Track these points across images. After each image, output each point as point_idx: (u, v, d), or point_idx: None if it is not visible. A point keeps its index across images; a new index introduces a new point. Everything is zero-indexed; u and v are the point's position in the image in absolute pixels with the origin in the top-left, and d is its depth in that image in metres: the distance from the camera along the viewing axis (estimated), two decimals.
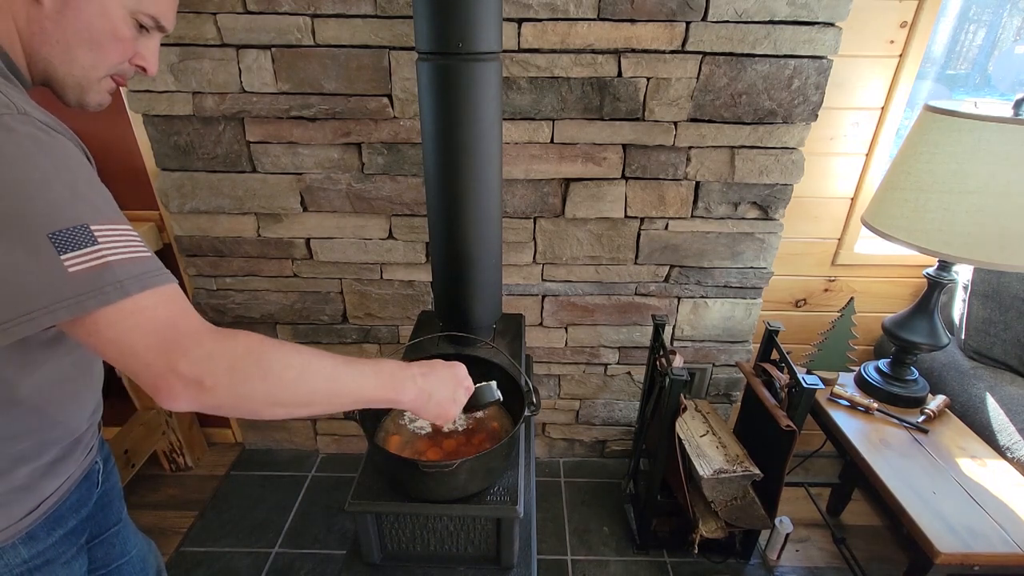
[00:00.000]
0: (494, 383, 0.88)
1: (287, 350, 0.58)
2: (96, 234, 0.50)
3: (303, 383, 0.58)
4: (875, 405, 1.47)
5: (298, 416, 0.60)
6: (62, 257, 0.48)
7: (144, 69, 0.66)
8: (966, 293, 1.60)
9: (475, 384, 0.84)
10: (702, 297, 1.68)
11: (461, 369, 0.80)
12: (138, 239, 0.54)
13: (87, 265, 0.49)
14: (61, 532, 0.70)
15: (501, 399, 0.87)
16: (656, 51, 1.35)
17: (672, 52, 1.35)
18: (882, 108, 1.52)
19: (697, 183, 1.51)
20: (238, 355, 0.54)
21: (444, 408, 0.76)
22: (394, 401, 0.70)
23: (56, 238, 0.48)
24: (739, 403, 1.80)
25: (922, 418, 1.44)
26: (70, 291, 0.48)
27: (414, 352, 1.21)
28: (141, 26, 0.63)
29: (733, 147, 1.46)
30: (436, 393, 0.74)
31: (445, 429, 0.98)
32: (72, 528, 0.72)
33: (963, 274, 1.62)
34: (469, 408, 0.84)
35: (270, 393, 0.56)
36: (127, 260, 0.52)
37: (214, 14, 1.32)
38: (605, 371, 1.82)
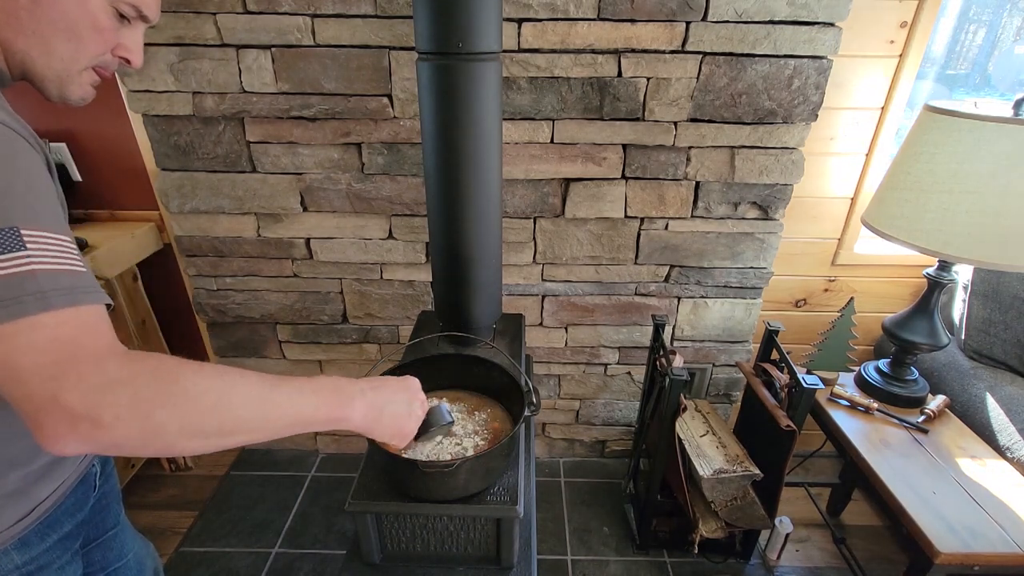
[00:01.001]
0: (445, 403, 0.83)
1: (206, 372, 0.52)
2: (26, 239, 0.46)
3: (226, 408, 0.51)
4: (875, 405, 1.47)
5: (223, 448, 0.53)
6: None
7: (128, 61, 0.64)
8: (966, 293, 1.60)
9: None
10: (702, 297, 1.68)
11: (414, 382, 0.75)
12: (75, 252, 0.50)
13: (7, 271, 0.44)
14: (55, 537, 0.69)
15: (453, 422, 0.82)
16: (656, 51, 1.35)
17: (672, 52, 1.35)
18: (882, 108, 1.52)
19: (697, 183, 1.51)
20: (143, 381, 0.47)
21: (400, 424, 0.70)
22: (340, 420, 0.62)
23: None
24: (739, 403, 1.79)
25: (922, 418, 1.44)
26: None
27: (414, 352, 1.21)
28: (122, 16, 0.60)
29: (733, 147, 1.46)
30: (389, 407, 0.68)
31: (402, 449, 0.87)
32: (67, 533, 0.71)
33: (963, 274, 1.62)
34: (420, 434, 0.79)
35: (185, 423, 0.49)
36: (57, 271, 0.47)
37: (214, 14, 1.32)
38: (605, 371, 1.82)
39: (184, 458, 1.89)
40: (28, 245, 0.46)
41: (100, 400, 0.45)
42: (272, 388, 0.56)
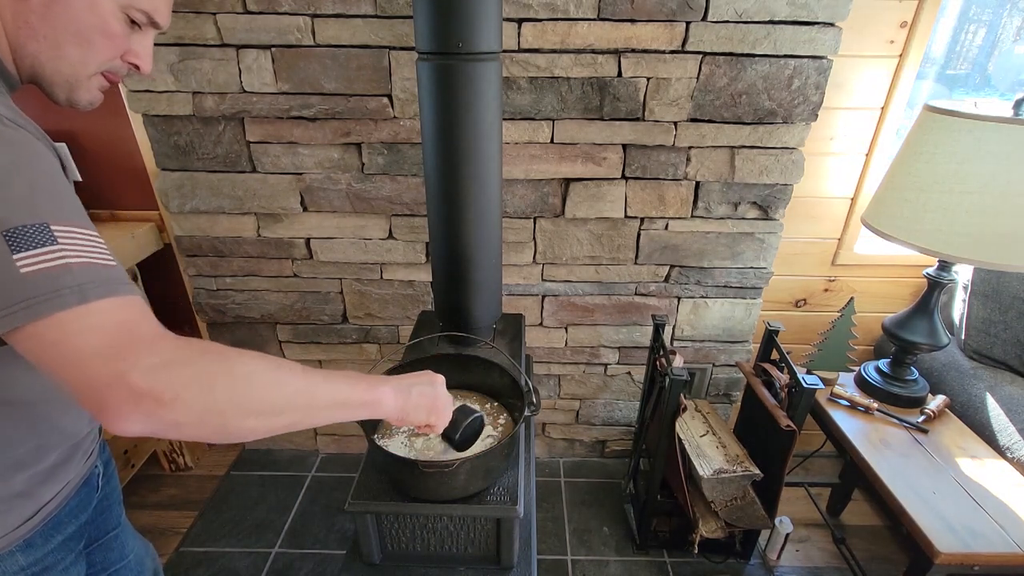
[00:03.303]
0: (466, 402, 0.84)
1: (253, 354, 0.53)
2: (57, 234, 0.46)
3: (277, 387, 0.53)
4: (875, 405, 1.47)
5: (270, 429, 0.53)
6: (15, 257, 0.44)
7: (137, 67, 0.64)
8: (966, 293, 1.60)
9: (458, 413, 0.80)
10: (702, 297, 1.68)
11: (427, 371, 0.76)
12: (105, 247, 0.51)
13: (43, 266, 0.45)
14: (60, 538, 0.69)
15: (482, 415, 0.84)
16: (656, 51, 1.35)
17: (672, 52, 1.35)
18: (882, 108, 1.52)
19: (697, 183, 1.51)
20: (203, 361, 0.49)
21: (429, 400, 0.71)
22: (373, 402, 0.64)
23: (10, 236, 0.44)
24: (739, 403, 1.79)
25: (922, 418, 1.44)
26: (20, 294, 0.44)
27: (414, 352, 1.21)
28: (133, 22, 0.60)
29: (733, 147, 1.46)
30: (415, 388, 0.70)
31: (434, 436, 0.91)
32: (71, 534, 0.71)
33: (963, 274, 1.62)
34: (456, 438, 0.80)
35: (243, 401, 0.51)
36: (90, 264, 0.47)
37: (214, 14, 1.32)
38: (605, 371, 1.82)
39: (184, 458, 1.89)
40: (59, 240, 0.46)
41: (161, 378, 0.46)
42: (311, 372, 0.58)
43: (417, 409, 0.70)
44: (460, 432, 0.79)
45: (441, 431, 0.78)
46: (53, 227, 0.47)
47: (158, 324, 0.50)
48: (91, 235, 0.50)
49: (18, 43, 0.56)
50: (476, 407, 0.83)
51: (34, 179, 0.48)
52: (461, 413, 0.80)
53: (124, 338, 0.47)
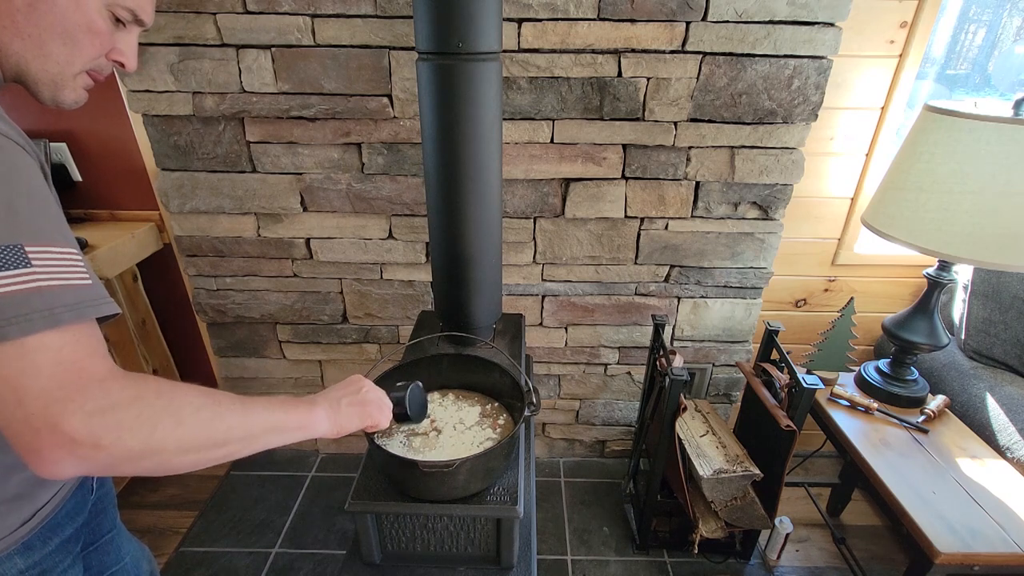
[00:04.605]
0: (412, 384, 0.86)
1: (193, 389, 0.55)
2: (31, 255, 0.46)
3: (219, 420, 0.55)
4: (875, 405, 1.47)
5: (207, 462, 0.54)
6: None
7: (122, 64, 0.64)
8: (966, 293, 1.60)
9: (397, 393, 0.83)
10: (702, 297, 1.68)
11: (353, 376, 0.79)
12: (80, 264, 0.50)
13: (13, 288, 0.44)
14: (58, 541, 0.69)
15: (417, 383, 0.87)
16: (656, 51, 1.35)
17: (672, 52, 1.35)
18: (882, 108, 1.52)
19: (697, 183, 1.51)
20: (148, 399, 0.50)
21: (357, 405, 0.74)
22: (308, 424, 0.66)
23: None
24: (739, 403, 1.79)
25: (922, 418, 1.44)
26: None
27: (414, 352, 1.21)
28: (118, 19, 0.61)
29: (733, 147, 1.46)
30: (344, 399, 0.73)
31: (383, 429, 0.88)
32: (68, 536, 0.71)
33: (963, 274, 1.62)
34: (408, 413, 0.83)
35: (184, 437, 0.51)
36: (63, 287, 0.47)
37: (214, 14, 1.32)
38: (605, 371, 1.82)
39: None
40: (33, 262, 0.46)
41: (103, 422, 0.46)
42: (247, 401, 0.60)
43: (349, 418, 0.72)
44: (408, 407, 0.83)
45: (386, 424, 0.80)
46: (28, 248, 0.46)
47: (108, 361, 0.50)
48: (66, 252, 0.49)
49: (3, 42, 0.56)
50: (404, 383, 0.85)
51: (9, 197, 0.47)
52: (398, 391, 0.84)
53: (71, 379, 0.46)
